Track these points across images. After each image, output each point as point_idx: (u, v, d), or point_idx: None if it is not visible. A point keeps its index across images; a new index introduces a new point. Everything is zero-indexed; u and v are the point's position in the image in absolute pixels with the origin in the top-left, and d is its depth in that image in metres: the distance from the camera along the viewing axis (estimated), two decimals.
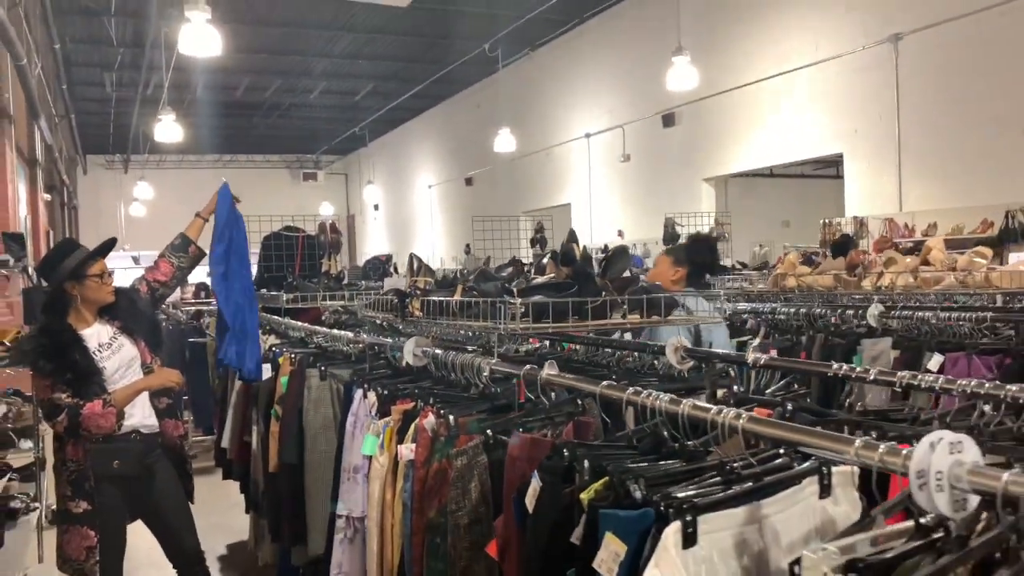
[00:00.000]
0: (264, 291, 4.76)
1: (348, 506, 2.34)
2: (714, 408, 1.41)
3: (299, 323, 3.67)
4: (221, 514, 5.26)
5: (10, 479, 4.32)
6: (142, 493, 3.15)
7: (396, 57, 14.12)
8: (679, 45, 9.15)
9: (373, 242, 22.75)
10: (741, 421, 1.36)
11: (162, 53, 11.09)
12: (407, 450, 1.89)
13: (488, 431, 1.71)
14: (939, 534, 0.99)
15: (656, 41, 10.60)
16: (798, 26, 9.22)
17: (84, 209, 19.67)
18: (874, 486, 1.22)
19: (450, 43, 13.05)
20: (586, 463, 1.38)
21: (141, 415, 3.11)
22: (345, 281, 4.98)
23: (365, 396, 2.32)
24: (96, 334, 3.13)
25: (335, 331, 3.16)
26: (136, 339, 3.20)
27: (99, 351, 3.08)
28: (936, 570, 0.91)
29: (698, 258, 3.75)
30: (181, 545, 3.29)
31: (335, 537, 2.34)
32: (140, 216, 19.59)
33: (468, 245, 15.77)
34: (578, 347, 2.69)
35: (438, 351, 2.19)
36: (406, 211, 21.05)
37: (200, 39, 7.60)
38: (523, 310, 1.80)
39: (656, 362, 2.18)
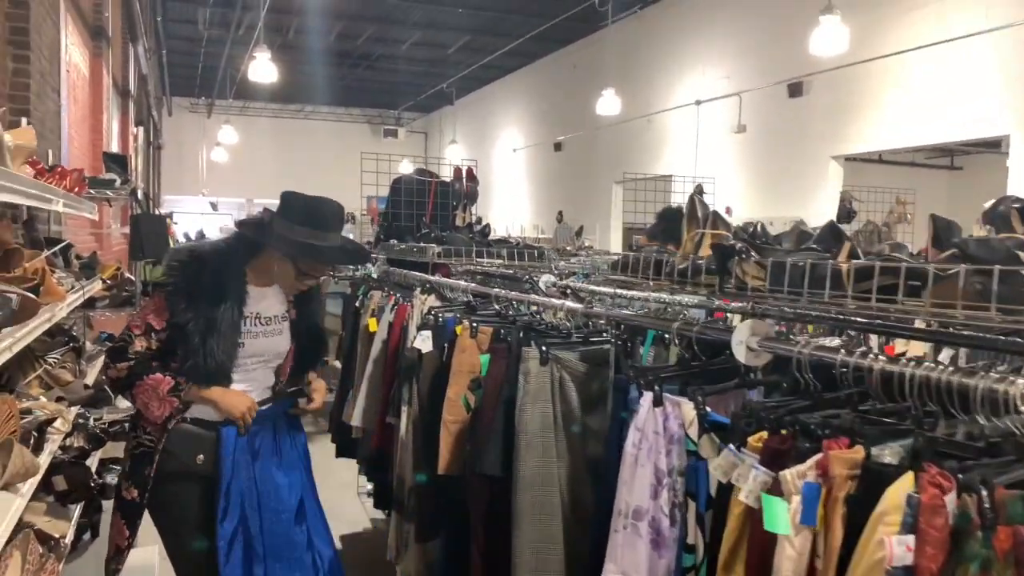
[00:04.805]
0: (393, 242, 4.12)
1: (622, 567, 1.61)
2: None
3: (462, 283, 2.99)
4: (330, 494, 4.70)
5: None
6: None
7: (496, 8, 13.35)
8: (829, 3, 8.15)
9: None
10: None
11: None
12: (900, 548, 1.06)
13: None
14: None
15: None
16: None
17: (167, 150, 19.53)
18: None
19: None
20: None
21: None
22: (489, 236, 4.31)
23: (659, 404, 1.57)
24: (262, 298, 2.45)
25: (545, 298, 2.43)
26: (296, 343, 2.55)
27: (250, 319, 2.40)
28: None
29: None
30: None
31: None
32: (222, 161, 19.32)
33: (560, 212, 15.04)
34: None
35: (842, 354, 1.32)
36: (488, 174, 20.36)
37: None
38: None
39: None
